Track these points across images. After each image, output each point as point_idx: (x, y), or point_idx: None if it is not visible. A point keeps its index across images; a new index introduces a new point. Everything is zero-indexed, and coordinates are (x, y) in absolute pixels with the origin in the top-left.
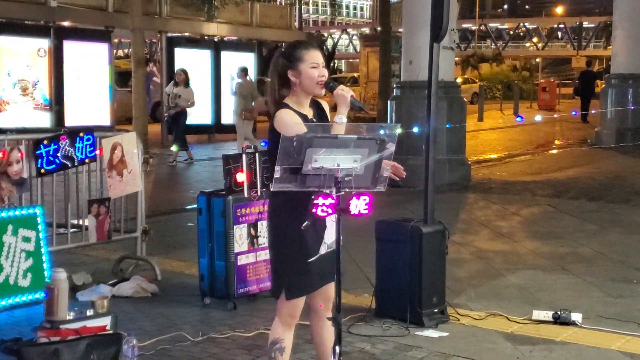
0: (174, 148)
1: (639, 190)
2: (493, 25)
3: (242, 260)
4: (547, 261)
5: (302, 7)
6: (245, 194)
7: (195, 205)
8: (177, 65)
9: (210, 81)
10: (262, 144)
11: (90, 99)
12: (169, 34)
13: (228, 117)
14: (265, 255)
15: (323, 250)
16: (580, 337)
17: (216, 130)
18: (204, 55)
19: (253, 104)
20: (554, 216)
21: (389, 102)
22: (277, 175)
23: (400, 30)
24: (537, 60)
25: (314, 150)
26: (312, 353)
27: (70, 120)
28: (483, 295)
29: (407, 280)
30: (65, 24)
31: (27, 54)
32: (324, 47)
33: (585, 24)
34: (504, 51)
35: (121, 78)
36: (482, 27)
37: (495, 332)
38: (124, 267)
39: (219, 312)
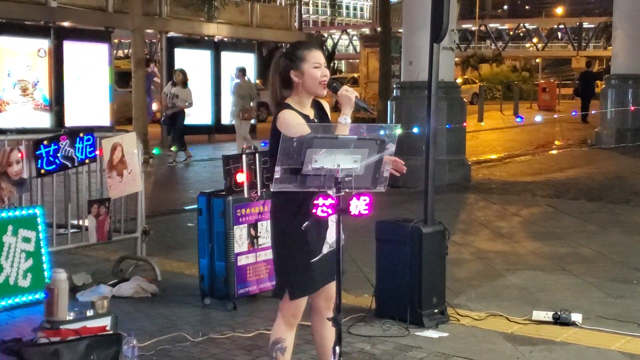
0: (173, 149)
1: (639, 191)
2: (493, 25)
3: (242, 260)
4: (547, 262)
5: (302, 7)
6: (245, 195)
7: (195, 206)
8: (177, 66)
9: (210, 82)
10: (262, 144)
11: (90, 99)
12: (169, 35)
13: (228, 117)
14: (265, 255)
15: (325, 249)
16: (580, 338)
17: (216, 130)
18: (204, 56)
19: (252, 104)
20: (554, 217)
21: (389, 102)
22: (277, 175)
23: (400, 30)
24: (537, 60)
25: (314, 151)
26: (312, 353)
27: (70, 121)
28: (483, 296)
29: (407, 281)
30: (65, 24)
31: (27, 55)
32: (324, 48)
33: (585, 25)
34: (504, 52)
35: (121, 78)
36: (482, 28)
37: (495, 332)
38: (124, 267)
39: (219, 313)
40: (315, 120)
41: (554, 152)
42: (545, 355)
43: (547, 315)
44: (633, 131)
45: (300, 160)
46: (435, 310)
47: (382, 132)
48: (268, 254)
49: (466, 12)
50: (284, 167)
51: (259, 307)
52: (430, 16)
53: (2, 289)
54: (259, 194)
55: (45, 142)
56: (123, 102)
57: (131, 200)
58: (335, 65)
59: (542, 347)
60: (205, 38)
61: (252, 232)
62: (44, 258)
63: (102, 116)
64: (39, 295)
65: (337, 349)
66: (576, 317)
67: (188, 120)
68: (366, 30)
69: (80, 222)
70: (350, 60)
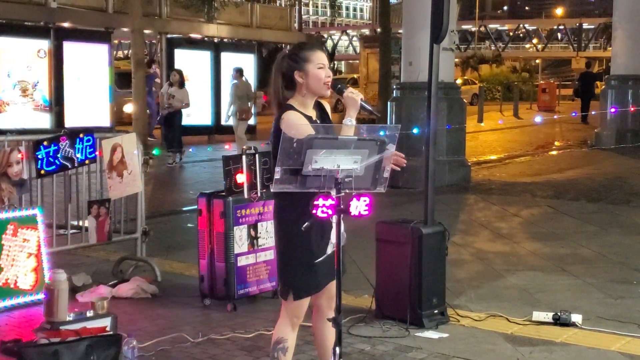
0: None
1: (639, 192)
2: (493, 26)
3: (242, 261)
4: (547, 262)
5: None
6: (245, 195)
7: (195, 206)
8: (177, 67)
9: (210, 82)
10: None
11: (90, 100)
12: (168, 35)
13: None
14: (265, 256)
15: (329, 250)
16: (580, 338)
17: (216, 131)
18: (204, 57)
19: (249, 104)
20: (554, 217)
21: (388, 103)
22: (277, 176)
23: (400, 31)
24: (537, 61)
25: (314, 152)
26: (312, 354)
27: (70, 122)
28: (483, 297)
29: (407, 282)
30: (65, 25)
31: (27, 55)
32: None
33: (585, 25)
34: (503, 52)
35: (121, 79)
36: (482, 29)
37: (495, 333)
38: (123, 268)
39: (218, 313)
40: (318, 122)
41: (554, 152)
42: (545, 356)
43: (547, 316)
44: (633, 132)
45: (301, 161)
46: (435, 311)
47: (382, 133)
48: (268, 255)
49: (466, 12)
50: (284, 167)
51: (259, 308)
52: (430, 17)
53: (2, 289)
54: (259, 194)
55: (45, 143)
56: (124, 104)
57: (131, 200)
58: (335, 66)
59: (542, 348)
60: (205, 39)
61: (252, 233)
62: (43, 259)
63: (102, 117)
64: (39, 296)
65: (337, 349)
66: (576, 317)
67: (188, 121)
68: (366, 31)
69: (80, 223)
70: (350, 61)
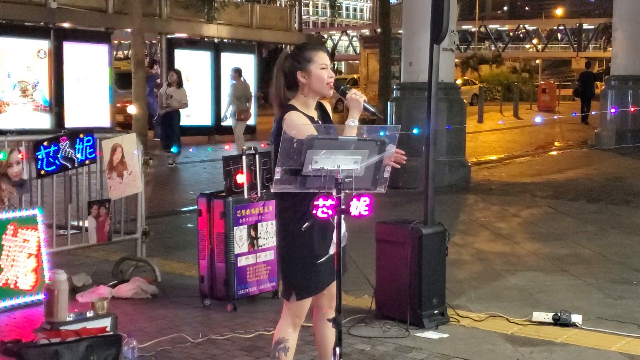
0: (173, 150)
1: (639, 192)
2: (493, 26)
3: (242, 261)
4: (547, 262)
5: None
6: (246, 196)
7: (195, 207)
8: (178, 67)
9: (210, 83)
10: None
11: (90, 100)
12: (169, 36)
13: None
14: (265, 256)
15: (332, 250)
16: (580, 339)
17: (216, 131)
18: (204, 57)
19: (247, 105)
20: (554, 217)
21: (389, 103)
22: (277, 176)
23: (400, 31)
24: (537, 61)
25: (314, 152)
26: (312, 354)
27: (70, 122)
28: (483, 297)
29: (407, 282)
30: (65, 25)
31: (27, 56)
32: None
33: (585, 26)
34: (503, 53)
35: (121, 80)
36: (482, 29)
37: (495, 333)
38: (124, 268)
39: (218, 314)
40: (319, 122)
41: (554, 153)
42: (546, 357)
43: (547, 316)
44: (633, 132)
45: (301, 161)
46: (435, 311)
47: (382, 133)
48: (268, 255)
49: (466, 13)
50: (284, 167)
51: (259, 308)
52: (430, 17)
53: (2, 290)
54: (259, 195)
55: (45, 143)
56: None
57: (131, 201)
58: (335, 67)
59: (542, 348)
60: (205, 39)
61: (252, 233)
62: (43, 259)
63: (102, 117)
64: (39, 296)
65: (338, 349)
66: (576, 318)
67: (188, 121)
68: (366, 32)
69: (80, 223)
70: (350, 62)
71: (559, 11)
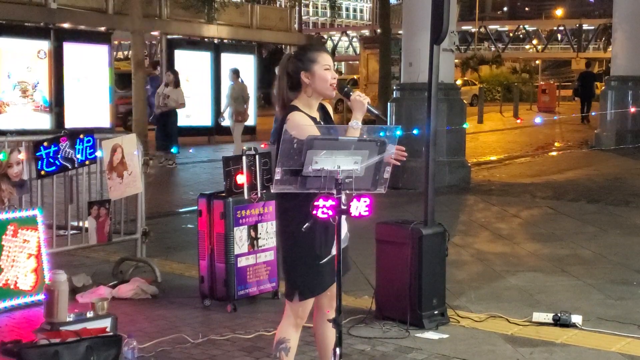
0: (173, 150)
1: (639, 193)
2: (493, 27)
3: (242, 262)
4: (547, 263)
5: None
6: (246, 196)
7: (195, 207)
8: (177, 68)
9: (210, 83)
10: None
11: (90, 101)
12: (169, 36)
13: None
14: (265, 257)
15: (335, 250)
16: (580, 339)
17: (216, 132)
18: (204, 57)
19: (245, 106)
20: (554, 218)
21: (388, 104)
22: (277, 176)
23: (400, 32)
24: (537, 62)
25: (314, 152)
26: (312, 355)
27: (70, 122)
28: (483, 297)
29: (407, 282)
30: (66, 25)
31: (27, 56)
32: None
33: (585, 26)
34: (503, 53)
35: (122, 80)
36: (482, 29)
37: (495, 334)
38: (124, 269)
39: (219, 314)
40: (321, 123)
41: (554, 153)
42: (546, 357)
43: (547, 317)
44: (633, 133)
45: (301, 162)
46: (436, 312)
47: (382, 134)
48: (268, 256)
49: (466, 13)
50: (285, 168)
51: (259, 309)
52: (430, 18)
53: (2, 290)
54: (259, 195)
55: (45, 144)
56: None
57: (131, 201)
58: (335, 67)
59: (542, 349)
60: (205, 40)
61: (252, 234)
62: (43, 259)
63: (102, 118)
64: (39, 297)
65: (338, 350)
66: (576, 318)
67: (188, 122)
68: (366, 32)
69: (80, 224)
70: (350, 62)
71: (559, 12)
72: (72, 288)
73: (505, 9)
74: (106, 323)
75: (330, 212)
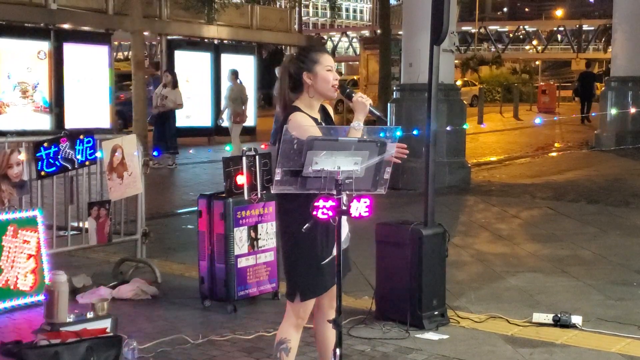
0: (155, 153)
1: (639, 193)
2: (493, 28)
3: (242, 262)
4: (547, 264)
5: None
6: (246, 197)
7: (195, 208)
8: (178, 68)
9: (210, 84)
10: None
11: (90, 101)
12: (169, 37)
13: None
14: (265, 257)
15: (336, 250)
16: (580, 340)
17: (216, 132)
18: (204, 58)
19: (243, 107)
20: (554, 219)
21: (388, 104)
22: (277, 177)
23: (400, 32)
24: (537, 63)
25: (314, 153)
26: (312, 356)
27: (70, 123)
28: (483, 298)
29: (407, 283)
30: (66, 26)
31: (27, 57)
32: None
33: (585, 27)
34: (503, 54)
35: (121, 81)
36: (482, 30)
37: (495, 334)
38: (124, 269)
39: (219, 315)
40: (323, 124)
41: (554, 154)
42: (546, 358)
43: (547, 318)
44: (633, 133)
45: (301, 162)
46: (436, 313)
47: (382, 134)
48: (268, 256)
49: (466, 14)
50: (285, 169)
51: (259, 309)
52: (430, 18)
53: (2, 291)
54: (259, 196)
55: (45, 144)
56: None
57: (131, 202)
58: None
59: (542, 350)
60: (205, 40)
61: (252, 234)
62: (44, 260)
63: (102, 118)
64: (39, 297)
65: (338, 351)
66: (576, 319)
67: (188, 122)
68: (366, 33)
69: (81, 224)
70: (350, 63)
71: (559, 12)
72: (72, 289)
73: (505, 9)
74: (106, 324)
75: (331, 213)
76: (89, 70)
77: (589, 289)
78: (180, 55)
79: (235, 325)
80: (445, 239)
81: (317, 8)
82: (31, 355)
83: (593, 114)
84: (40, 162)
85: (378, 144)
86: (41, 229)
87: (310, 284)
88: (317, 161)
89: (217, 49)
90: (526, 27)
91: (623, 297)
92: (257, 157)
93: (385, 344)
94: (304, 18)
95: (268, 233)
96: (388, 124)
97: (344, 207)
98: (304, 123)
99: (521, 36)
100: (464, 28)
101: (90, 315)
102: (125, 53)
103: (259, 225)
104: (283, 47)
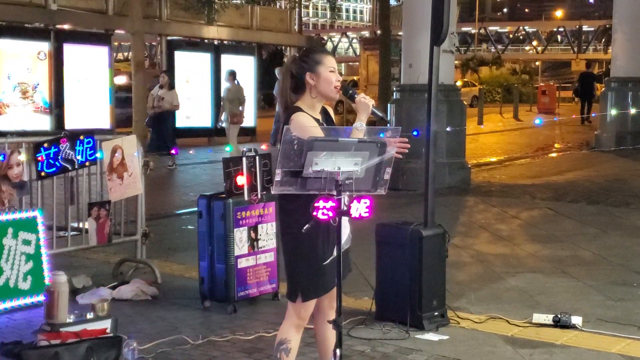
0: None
1: (639, 194)
2: (493, 28)
3: (242, 263)
4: (547, 264)
5: (302, 10)
6: (246, 197)
7: (195, 208)
8: (177, 69)
9: (210, 84)
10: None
11: (90, 102)
12: (169, 37)
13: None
14: (265, 258)
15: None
16: (580, 341)
17: (216, 133)
18: (204, 59)
19: (240, 108)
20: (554, 219)
21: (388, 105)
22: (277, 178)
23: (400, 33)
24: (537, 63)
25: (314, 154)
26: (312, 356)
27: (70, 124)
28: (483, 299)
29: (407, 284)
30: (66, 27)
31: (27, 57)
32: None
33: (585, 28)
34: (503, 54)
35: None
36: (482, 31)
37: (495, 335)
38: (124, 270)
39: (219, 315)
40: (324, 125)
41: (554, 155)
42: (546, 358)
43: (547, 318)
44: (633, 134)
45: (301, 163)
46: (436, 313)
47: (382, 135)
48: (268, 257)
49: (466, 15)
50: (285, 169)
51: (259, 310)
52: (430, 19)
53: (2, 291)
54: (259, 196)
55: (45, 145)
56: None
57: (131, 202)
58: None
59: (542, 350)
60: (205, 41)
61: (253, 235)
62: (44, 260)
63: (102, 119)
64: (39, 298)
65: (338, 351)
66: (576, 319)
67: (188, 123)
68: (366, 33)
69: (81, 225)
70: (350, 63)
71: (559, 13)
72: (72, 289)
73: (505, 10)
74: (106, 324)
75: (331, 214)
76: (89, 70)
77: (589, 290)
78: (180, 56)
79: (235, 326)
80: (445, 239)
81: (317, 9)
82: (31, 356)
83: (593, 115)
84: (40, 163)
85: (378, 145)
86: (41, 230)
87: (312, 284)
88: (317, 162)
89: (217, 50)
90: (526, 27)
91: (623, 297)
92: (257, 157)
93: (385, 345)
94: (304, 19)
95: (268, 234)
96: (391, 125)
97: (344, 208)
98: (306, 123)
99: (521, 37)
100: (464, 29)
101: (90, 315)
102: (125, 54)
103: (259, 226)
104: (283, 47)
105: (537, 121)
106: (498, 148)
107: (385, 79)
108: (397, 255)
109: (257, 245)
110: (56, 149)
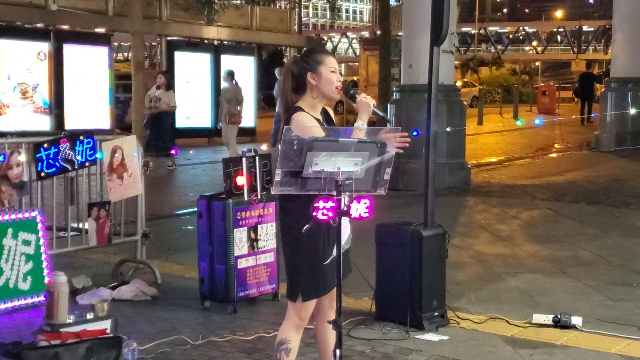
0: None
1: (639, 194)
2: (493, 28)
3: (242, 263)
4: (547, 265)
5: (302, 10)
6: (246, 198)
7: (195, 209)
8: (177, 69)
9: (210, 85)
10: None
11: (90, 102)
12: (168, 38)
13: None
14: (265, 258)
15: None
16: (580, 341)
17: (216, 134)
18: (204, 59)
19: (238, 108)
20: (554, 220)
21: (388, 105)
22: (277, 178)
23: (400, 33)
24: (537, 63)
25: (314, 154)
26: (312, 357)
27: (70, 124)
28: (483, 299)
29: (407, 284)
30: (65, 27)
31: (27, 58)
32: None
33: (585, 28)
34: (503, 55)
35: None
36: (482, 31)
37: (495, 335)
38: (124, 270)
39: (219, 316)
40: (325, 125)
41: (554, 155)
42: (546, 359)
43: (547, 319)
44: (633, 134)
45: (301, 163)
46: (436, 314)
47: None
48: (268, 257)
49: (466, 15)
50: (285, 169)
51: (259, 310)
52: (430, 19)
53: (2, 291)
54: (259, 196)
55: (45, 145)
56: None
57: (131, 203)
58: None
59: (542, 350)
60: (205, 41)
61: (252, 235)
62: (43, 261)
63: (102, 119)
64: (39, 298)
65: (338, 352)
66: (576, 320)
67: (188, 124)
68: (366, 34)
69: (80, 225)
70: (350, 64)
71: (559, 13)
72: (72, 289)
73: (505, 10)
74: (106, 324)
75: (331, 214)
76: (89, 71)
77: (589, 290)
78: (180, 56)
79: (235, 326)
80: (445, 239)
81: (317, 9)
82: (31, 356)
83: (593, 115)
84: (40, 163)
85: (378, 145)
86: (41, 230)
87: (312, 284)
88: (317, 162)
89: (216, 50)
90: (526, 28)
91: (623, 297)
92: (257, 158)
93: (385, 345)
94: (303, 19)
95: (268, 234)
96: (391, 124)
97: (344, 208)
98: (307, 123)
99: (521, 37)
100: (464, 29)
101: (90, 316)
102: (125, 54)
103: (259, 226)
104: (283, 48)
105: (537, 121)
106: (498, 148)
107: (385, 79)
108: (397, 255)
109: (257, 246)
110: (56, 150)
